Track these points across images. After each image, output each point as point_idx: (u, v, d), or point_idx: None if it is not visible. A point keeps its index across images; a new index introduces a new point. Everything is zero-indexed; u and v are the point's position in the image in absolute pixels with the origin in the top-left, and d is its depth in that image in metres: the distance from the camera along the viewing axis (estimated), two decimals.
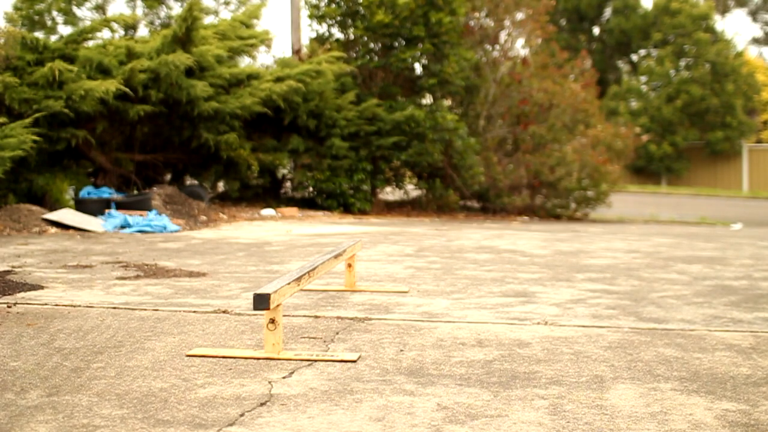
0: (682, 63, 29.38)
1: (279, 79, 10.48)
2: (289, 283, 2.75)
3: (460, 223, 10.47)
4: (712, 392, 2.37)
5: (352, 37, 12.26)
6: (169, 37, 9.50)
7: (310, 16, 12.39)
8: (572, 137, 13.25)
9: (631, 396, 2.32)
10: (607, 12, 32.71)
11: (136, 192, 9.57)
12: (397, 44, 12.00)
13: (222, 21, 11.94)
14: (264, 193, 11.87)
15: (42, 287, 4.07)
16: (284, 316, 3.29)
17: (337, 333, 3.10)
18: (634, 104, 29.25)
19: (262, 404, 2.21)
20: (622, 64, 33.53)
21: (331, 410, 2.16)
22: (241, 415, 2.12)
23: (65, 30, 12.20)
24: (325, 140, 11.27)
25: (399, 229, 8.81)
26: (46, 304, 3.58)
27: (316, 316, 3.42)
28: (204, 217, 9.12)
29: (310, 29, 12.76)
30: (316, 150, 11.33)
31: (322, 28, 12.47)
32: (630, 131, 16.03)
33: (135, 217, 8.06)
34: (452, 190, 12.47)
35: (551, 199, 13.16)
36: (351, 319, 3.37)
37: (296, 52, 13.02)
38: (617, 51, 32.68)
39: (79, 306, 3.55)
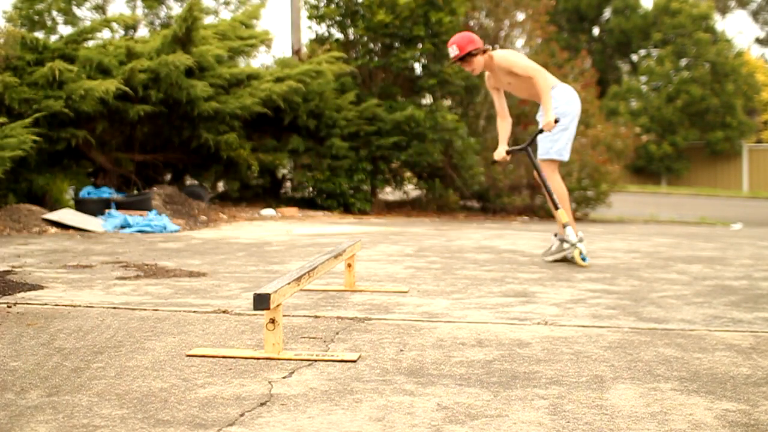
0: (682, 63, 29.37)
1: (279, 80, 10.48)
2: (289, 283, 2.75)
3: (460, 223, 10.47)
4: (712, 392, 2.37)
5: (351, 37, 12.26)
6: (169, 37, 9.50)
7: (310, 17, 12.39)
8: None
9: (631, 396, 2.32)
10: (607, 12, 32.71)
11: (136, 192, 9.57)
12: (397, 44, 12.00)
13: (222, 21, 11.95)
14: (264, 193, 11.88)
15: (42, 287, 4.07)
16: (284, 316, 3.29)
17: (337, 333, 3.10)
18: (634, 104, 29.25)
19: (262, 404, 2.21)
20: (622, 64, 33.53)
21: (331, 410, 2.16)
22: (241, 415, 2.12)
23: (65, 30, 12.21)
24: (325, 140, 11.27)
25: (399, 229, 8.81)
26: (46, 304, 3.58)
27: (316, 316, 3.42)
28: (204, 217, 9.12)
29: (309, 30, 12.78)
30: (316, 150, 11.33)
31: (322, 29, 12.48)
32: (630, 131, 16.03)
33: (135, 217, 8.06)
34: (452, 190, 12.47)
35: None
36: (351, 319, 3.36)
37: (296, 52, 13.03)
38: (617, 51, 32.69)
39: (79, 306, 3.55)
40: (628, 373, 2.57)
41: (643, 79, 29.79)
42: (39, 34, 10.67)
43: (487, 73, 6.01)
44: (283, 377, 2.47)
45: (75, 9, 12.23)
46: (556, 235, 5.72)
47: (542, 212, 13.01)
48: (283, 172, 12.25)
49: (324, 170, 11.24)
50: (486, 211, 13.11)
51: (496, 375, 2.53)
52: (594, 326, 3.28)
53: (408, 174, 12.81)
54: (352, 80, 11.78)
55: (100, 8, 12.55)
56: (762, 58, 37.76)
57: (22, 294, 3.85)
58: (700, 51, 28.38)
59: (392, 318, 3.40)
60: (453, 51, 5.78)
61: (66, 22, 12.19)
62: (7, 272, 4.60)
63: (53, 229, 7.50)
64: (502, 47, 13.85)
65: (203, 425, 2.03)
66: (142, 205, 8.56)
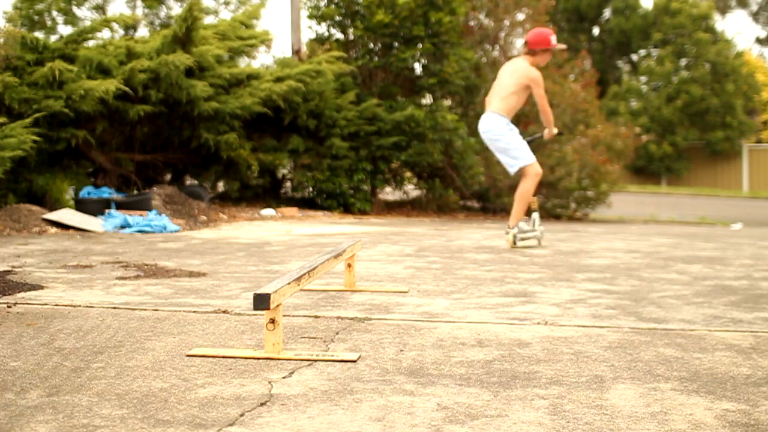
0: (682, 63, 29.36)
1: (279, 79, 10.48)
2: (289, 283, 2.75)
3: (460, 223, 10.47)
4: (712, 392, 2.37)
5: (351, 37, 12.26)
6: (169, 37, 9.50)
7: (310, 17, 12.39)
8: (572, 137, 13.25)
9: (631, 396, 2.32)
10: (607, 12, 32.70)
11: (136, 192, 9.57)
12: (396, 44, 12.00)
13: (222, 21, 11.95)
14: (264, 193, 11.88)
15: (42, 287, 4.07)
16: (284, 316, 3.29)
17: (337, 333, 3.10)
18: (634, 104, 29.25)
19: (262, 404, 2.21)
20: (622, 64, 33.53)
21: (331, 410, 2.16)
22: (241, 415, 2.12)
23: (65, 30, 12.22)
24: (325, 140, 11.27)
25: (399, 229, 8.81)
26: (46, 304, 3.58)
27: (316, 316, 3.41)
28: (204, 217, 9.12)
29: (309, 30, 12.79)
30: (316, 150, 11.33)
31: (322, 29, 12.48)
32: (630, 131, 16.03)
33: (135, 217, 8.06)
34: (452, 190, 12.47)
35: (551, 199, 13.16)
36: (351, 319, 3.36)
37: (296, 52, 13.03)
38: (617, 51, 32.68)
39: (79, 306, 3.55)
40: (628, 373, 2.57)
41: (643, 79, 29.80)
42: (39, 34, 10.66)
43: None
44: (283, 377, 2.47)
45: (75, 9, 12.23)
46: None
47: (542, 212, 13.00)
48: (283, 172, 12.25)
49: (324, 170, 11.24)
50: (486, 211, 13.11)
51: (496, 375, 2.53)
52: (594, 326, 3.28)
53: (408, 174, 12.81)
54: (352, 80, 11.78)
55: (100, 8, 12.55)
56: (762, 58, 37.76)
57: (22, 294, 3.85)
58: (700, 51, 28.38)
59: (392, 318, 3.40)
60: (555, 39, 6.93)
61: (66, 22, 12.20)
62: (7, 272, 4.60)
63: (53, 229, 7.50)
64: (502, 47, 13.86)
65: (203, 425, 2.03)
66: (142, 205, 8.56)
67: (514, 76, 6.73)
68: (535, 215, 6.82)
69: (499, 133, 6.74)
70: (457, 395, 2.30)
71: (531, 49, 6.81)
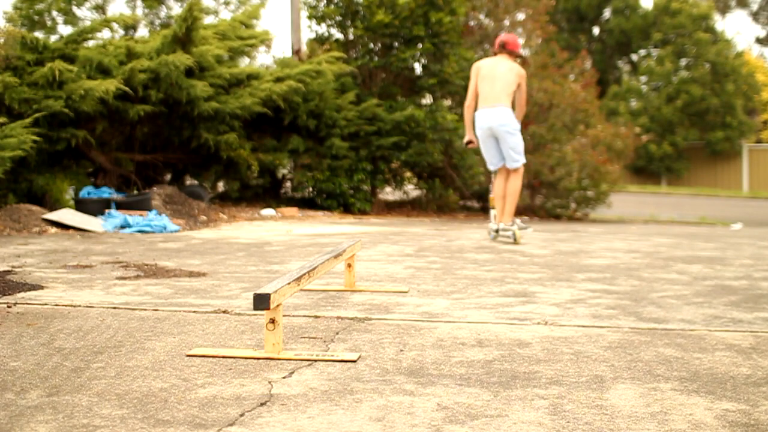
0: (682, 63, 29.35)
1: (279, 79, 10.48)
2: (289, 283, 2.75)
3: (460, 223, 10.47)
4: (712, 392, 2.37)
5: (351, 37, 12.27)
6: (169, 37, 9.50)
7: (310, 17, 12.39)
8: (572, 137, 13.25)
9: (631, 396, 2.32)
10: (607, 12, 32.69)
11: (136, 192, 9.57)
12: (396, 44, 12.00)
13: (222, 21, 11.96)
14: (264, 193, 11.88)
15: (42, 287, 4.07)
16: (284, 316, 3.29)
17: (337, 333, 3.10)
18: (634, 104, 29.24)
19: (262, 404, 2.21)
20: (622, 64, 33.52)
21: (331, 410, 2.16)
22: (241, 415, 2.12)
23: (65, 30, 12.23)
24: (325, 140, 11.27)
25: (399, 229, 8.81)
26: (46, 304, 3.58)
27: (316, 316, 3.41)
28: (204, 217, 9.12)
29: (309, 30, 12.79)
30: (316, 150, 11.33)
31: (322, 29, 12.48)
32: (630, 131, 16.04)
33: (135, 217, 8.06)
34: (452, 190, 12.47)
35: (551, 199, 13.16)
36: (351, 319, 3.36)
37: (296, 52, 13.03)
38: (617, 51, 32.68)
39: (79, 306, 3.55)
40: (628, 373, 2.57)
41: (643, 79, 29.80)
42: (39, 34, 10.67)
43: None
44: (283, 377, 2.47)
45: (75, 9, 12.24)
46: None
47: (542, 212, 13.01)
48: (283, 172, 12.25)
49: (324, 170, 11.24)
50: (486, 211, 13.10)
51: (496, 375, 2.53)
52: (594, 326, 3.28)
53: (408, 174, 12.81)
54: (352, 80, 11.78)
55: (100, 8, 12.56)
56: (762, 58, 37.76)
57: (22, 294, 3.85)
58: (700, 51, 28.38)
59: (392, 318, 3.40)
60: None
61: (66, 22, 12.21)
62: (7, 272, 4.60)
63: (53, 229, 7.50)
64: None
65: (203, 425, 2.03)
66: (142, 205, 8.56)
67: (513, 74, 6.91)
68: (494, 212, 7.15)
69: (515, 128, 6.93)
70: (457, 395, 2.30)
71: (512, 50, 7.15)
